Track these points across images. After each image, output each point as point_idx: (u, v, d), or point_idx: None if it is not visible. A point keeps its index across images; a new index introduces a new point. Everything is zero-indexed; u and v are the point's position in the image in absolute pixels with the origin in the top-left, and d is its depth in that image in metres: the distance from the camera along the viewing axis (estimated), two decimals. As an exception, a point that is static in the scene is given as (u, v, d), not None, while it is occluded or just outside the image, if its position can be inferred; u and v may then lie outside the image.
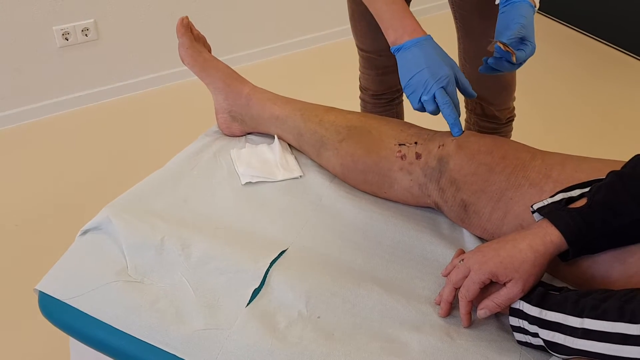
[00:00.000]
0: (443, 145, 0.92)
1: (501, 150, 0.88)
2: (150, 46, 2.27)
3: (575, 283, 0.80)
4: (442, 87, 0.84)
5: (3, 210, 1.76)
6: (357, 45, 1.38)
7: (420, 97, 0.86)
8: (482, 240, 0.91)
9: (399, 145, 0.95)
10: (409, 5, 1.30)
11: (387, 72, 1.37)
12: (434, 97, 0.85)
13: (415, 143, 0.94)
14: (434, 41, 0.89)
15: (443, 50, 0.89)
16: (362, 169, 0.97)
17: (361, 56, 1.39)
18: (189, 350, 0.75)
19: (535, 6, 0.95)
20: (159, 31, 2.26)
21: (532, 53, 0.92)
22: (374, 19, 1.33)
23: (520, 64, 0.92)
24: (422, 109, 0.88)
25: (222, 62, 1.13)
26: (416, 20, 0.90)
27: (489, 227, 0.87)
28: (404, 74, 0.88)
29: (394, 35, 0.90)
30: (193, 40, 1.11)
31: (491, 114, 1.36)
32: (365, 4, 0.95)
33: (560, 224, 0.72)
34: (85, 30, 2.10)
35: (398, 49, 0.90)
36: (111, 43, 2.18)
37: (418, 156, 0.93)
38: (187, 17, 1.11)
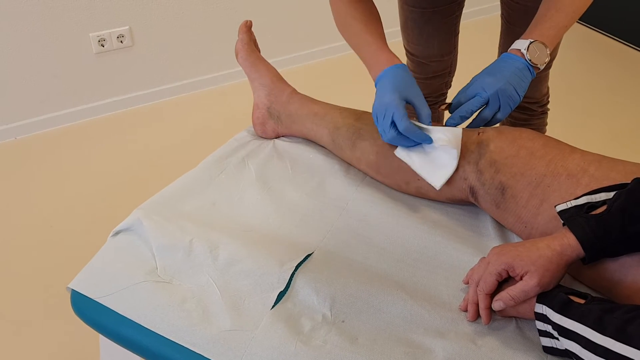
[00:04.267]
0: (483, 132, 0.93)
1: (542, 139, 0.89)
2: (182, 53, 2.32)
3: (595, 284, 0.80)
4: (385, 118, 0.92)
5: (39, 212, 1.82)
6: (407, 50, 1.41)
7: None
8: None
9: None
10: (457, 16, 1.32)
11: (436, 76, 1.40)
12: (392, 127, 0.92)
13: None
14: (396, 71, 0.95)
15: (397, 78, 0.94)
16: None
17: (411, 60, 1.42)
18: (214, 350, 0.76)
19: (535, 68, 0.94)
20: (191, 38, 2.30)
21: (503, 116, 0.94)
22: (426, 27, 1.35)
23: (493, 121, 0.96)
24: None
25: (271, 65, 1.18)
26: (385, 54, 0.97)
27: (524, 215, 0.86)
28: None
29: (372, 74, 0.99)
30: (251, 39, 1.18)
31: (521, 105, 1.36)
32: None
33: (577, 230, 0.73)
34: (120, 37, 2.15)
35: (376, 84, 0.98)
36: (145, 49, 2.24)
37: None
38: (250, 21, 1.19)
